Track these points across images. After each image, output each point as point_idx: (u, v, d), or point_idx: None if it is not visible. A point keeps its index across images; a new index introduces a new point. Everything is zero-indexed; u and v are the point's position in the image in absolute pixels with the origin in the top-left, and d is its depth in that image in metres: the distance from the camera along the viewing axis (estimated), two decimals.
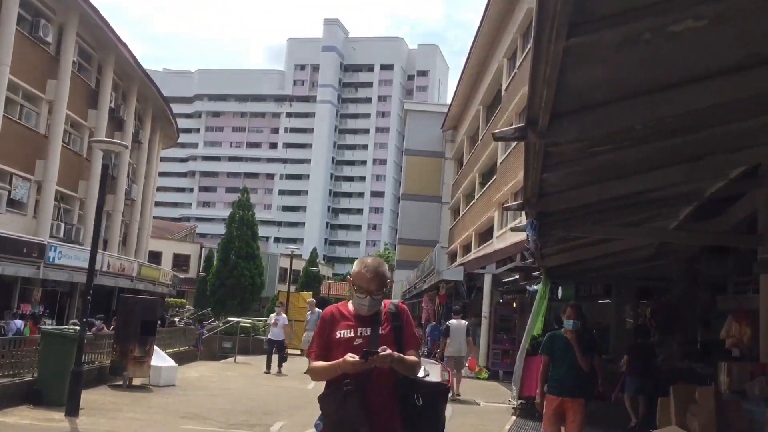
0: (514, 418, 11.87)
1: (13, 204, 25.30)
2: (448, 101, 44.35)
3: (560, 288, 18.62)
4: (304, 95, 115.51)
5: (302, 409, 10.94)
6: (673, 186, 6.81)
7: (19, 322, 19.90)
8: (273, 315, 16.12)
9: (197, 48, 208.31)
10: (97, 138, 20.68)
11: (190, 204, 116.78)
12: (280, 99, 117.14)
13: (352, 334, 3.32)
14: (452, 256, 38.03)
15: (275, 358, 15.75)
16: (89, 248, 27.84)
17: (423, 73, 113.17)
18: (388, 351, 3.08)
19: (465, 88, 37.45)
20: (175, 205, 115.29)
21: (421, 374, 3.44)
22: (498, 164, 28.38)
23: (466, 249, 34.82)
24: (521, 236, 17.36)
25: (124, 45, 30.72)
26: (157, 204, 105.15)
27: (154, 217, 79.92)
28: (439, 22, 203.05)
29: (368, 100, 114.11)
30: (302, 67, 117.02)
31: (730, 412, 5.92)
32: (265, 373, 15.70)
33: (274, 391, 13.23)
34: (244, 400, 11.48)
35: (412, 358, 3.29)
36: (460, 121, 41.87)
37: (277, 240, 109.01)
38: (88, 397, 10.46)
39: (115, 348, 11.85)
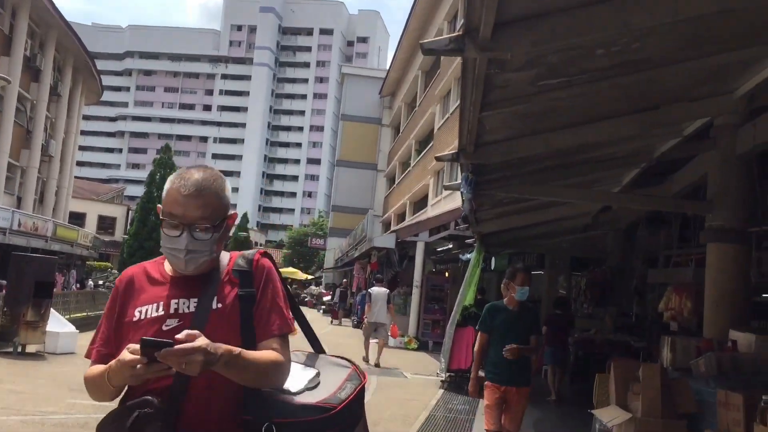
0: (441, 391, 11.28)
1: None
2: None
3: (493, 258, 18.19)
4: (240, 57, 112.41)
5: None
6: (623, 142, 6.15)
7: None
8: None
9: (130, 3, 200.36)
10: None
11: (119, 165, 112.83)
12: (215, 60, 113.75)
13: (161, 312, 1.88)
14: (387, 225, 37.41)
15: None
16: (2, 206, 26.07)
17: (363, 40, 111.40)
18: (196, 341, 1.62)
19: (404, 52, 36.53)
20: (103, 165, 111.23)
21: (295, 385, 1.93)
22: (435, 131, 27.73)
23: (401, 218, 34.23)
24: (455, 204, 16.82)
25: (64, 20, 28.62)
26: (84, 164, 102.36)
27: (81, 178, 77.07)
28: None
29: (306, 64, 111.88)
30: (239, 28, 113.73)
31: (676, 391, 5.36)
32: None
33: None
34: None
35: (265, 354, 1.84)
36: (398, 86, 41.02)
37: None
38: None
39: (5, 311, 10.65)
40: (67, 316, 13.83)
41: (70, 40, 34.10)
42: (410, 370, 13.63)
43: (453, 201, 21.97)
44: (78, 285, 31.48)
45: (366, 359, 14.28)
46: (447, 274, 20.19)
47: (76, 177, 63.46)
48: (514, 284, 5.63)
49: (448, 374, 11.96)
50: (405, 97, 37.75)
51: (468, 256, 15.28)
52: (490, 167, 5.91)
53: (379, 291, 14.65)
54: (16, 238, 25.56)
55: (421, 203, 29.93)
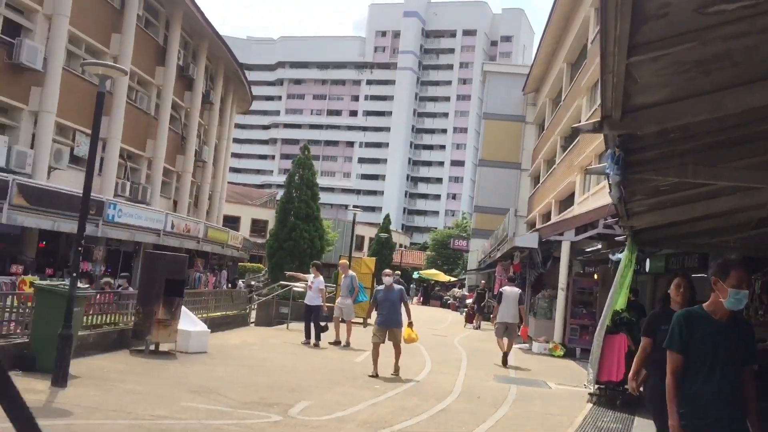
0: (590, 405, 10.07)
1: (77, 161, 24.89)
2: None
3: (648, 259, 16.53)
4: (384, 62, 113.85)
5: (338, 387, 9.51)
6: None
7: None
8: (310, 276, 14.62)
9: (282, 16, 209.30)
10: (117, 66, 19.72)
11: (272, 171, 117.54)
12: (360, 66, 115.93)
13: None
14: (531, 226, 35.86)
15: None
16: (155, 208, 27.41)
17: (507, 39, 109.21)
18: None
19: (548, 45, 34.90)
20: (257, 172, 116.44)
21: None
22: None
23: (546, 218, 32.64)
24: (604, 200, 15.40)
25: (192, 1, 29.77)
26: (239, 170, 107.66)
27: (236, 184, 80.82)
28: None
29: (449, 66, 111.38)
30: (383, 34, 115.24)
31: None
32: (302, 343, 14.34)
33: (315, 363, 11.84)
34: (274, 373, 10.13)
35: None
36: (542, 82, 39.31)
37: (355, 208, 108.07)
38: (95, 363, 9.36)
39: (138, 309, 10.70)
40: (203, 315, 13.91)
41: (221, 50, 35.50)
42: (554, 380, 12.48)
43: (602, 198, 20.36)
44: (229, 285, 32.58)
45: (504, 362, 13.81)
46: (596, 276, 18.67)
47: (232, 183, 66.75)
48: (726, 284, 3.71)
49: (597, 386, 10.70)
50: (549, 92, 36.05)
51: (618, 255, 13.88)
52: (642, 141, 4.83)
53: (511, 291, 14.57)
54: (170, 239, 26.69)
55: (567, 202, 28.29)
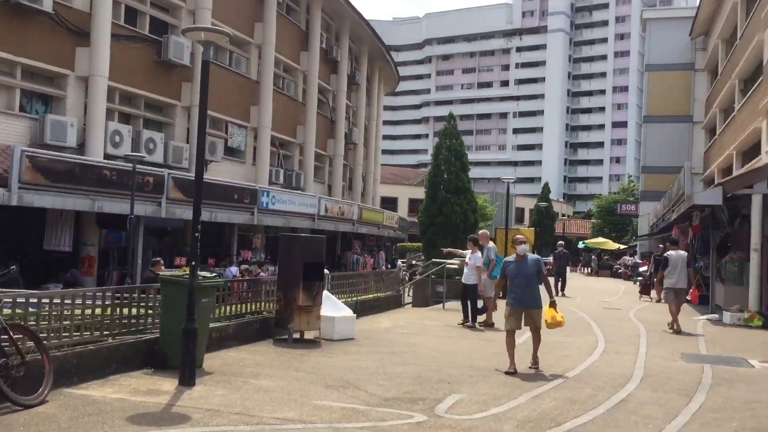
0: None
1: (232, 152, 25.39)
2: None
3: None
4: (534, 27, 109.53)
5: (495, 376, 8.35)
6: None
7: (234, 269, 19.49)
8: (468, 252, 13.43)
9: None
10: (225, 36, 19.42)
11: (426, 150, 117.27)
12: (509, 34, 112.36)
13: None
14: (709, 183, 32.38)
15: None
16: (309, 193, 27.48)
17: None
18: None
19: None
20: (412, 152, 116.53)
21: None
22: (765, 63, 22.78)
23: (726, 173, 29.20)
24: None
25: (354, 9, 29.49)
26: (394, 152, 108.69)
27: (392, 165, 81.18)
28: None
29: (605, 23, 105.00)
30: None
31: None
32: (459, 324, 13.25)
33: (471, 347, 10.74)
34: (423, 361, 9.15)
35: None
36: (712, 23, 35.32)
37: (512, 180, 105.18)
38: (233, 356, 8.83)
39: (279, 297, 10.13)
40: (352, 299, 13.25)
41: (363, 30, 35.04)
42: (757, 356, 10.54)
43: None
44: (388, 265, 32.22)
45: (673, 327, 13.36)
46: None
47: (387, 165, 66.76)
48: None
49: None
50: (722, 33, 32.19)
51: None
52: None
53: (677, 255, 14.02)
54: (324, 223, 26.65)
55: (751, 152, 25.01)
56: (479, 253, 13.10)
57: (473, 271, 12.94)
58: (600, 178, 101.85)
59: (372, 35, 36.00)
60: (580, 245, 52.78)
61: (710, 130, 35.91)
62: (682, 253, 14.39)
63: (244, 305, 10.31)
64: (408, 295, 19.95)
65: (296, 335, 10.13)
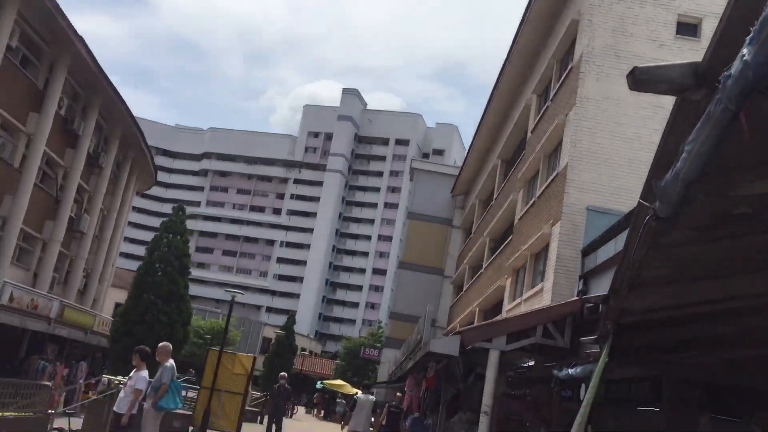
0: None
1: None
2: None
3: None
4: (314, 163, 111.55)
5: None
6: None
7: None
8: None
9: (215, 108, 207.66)
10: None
11: None
12: (289, 164, 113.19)
13: None
14: None
15: None
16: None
17: (439, 152, 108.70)
18: None
19: (481, 142, 32.31)
20: None
21: None
22: (516, 221, 22.72)
23: None
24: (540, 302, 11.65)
25: (81, 40, 25.72)
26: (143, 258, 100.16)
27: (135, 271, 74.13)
28: (459, 115, 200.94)
29: (380, 173, 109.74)
30: (316, 135, 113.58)
31: None
32: None
33: None
34: None
35: None
36: (472, 184, 36.53)
37: (269, 310, 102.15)
38: None
39: None
40: None
41: (120, 112, 31.17)
42: None
43: (537, 305, 16.73)
44: (92, 381, 26.68)
45: None
46: (529, 399, 14.64)
47: (131, 270, 60.62)
48: None
49: None
50: (480, 193, 33.08)
51: (569, 371, 10.03)
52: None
53: (365, 399, 15.15)
54: (3, 314, 21.36)
55: (494, 310, 24.50)
56: (145, 373, 9.70)
57: (130, 395, 9.45)
58: (353, 321, 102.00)
59: (131, 120, 32.31)
60: (318, 385, 50.19)
61: (458, 285, 36.12)
62: (371, 397, 15.74)
63: None
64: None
65: None
